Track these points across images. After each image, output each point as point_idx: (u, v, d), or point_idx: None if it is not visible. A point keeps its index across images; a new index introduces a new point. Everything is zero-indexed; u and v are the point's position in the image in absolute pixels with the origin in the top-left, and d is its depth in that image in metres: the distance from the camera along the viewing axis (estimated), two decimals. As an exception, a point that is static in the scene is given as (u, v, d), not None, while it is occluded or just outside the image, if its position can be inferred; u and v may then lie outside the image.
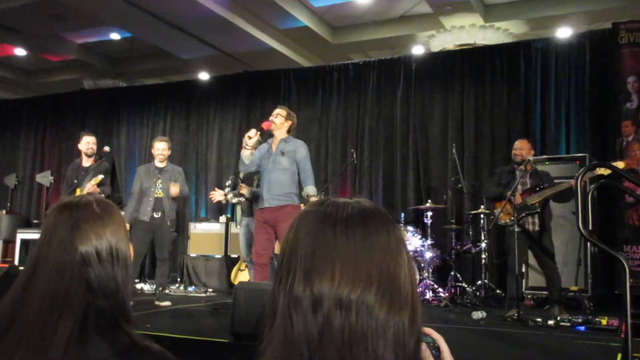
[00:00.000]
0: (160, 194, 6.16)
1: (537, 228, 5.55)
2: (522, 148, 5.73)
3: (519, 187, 5.58)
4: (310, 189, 5.12)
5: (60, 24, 10.26)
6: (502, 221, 5.64)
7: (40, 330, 1.11)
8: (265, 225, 5.06)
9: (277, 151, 5.16)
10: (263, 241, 5.06)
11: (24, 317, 1.12)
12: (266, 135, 5.47)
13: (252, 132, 5.05)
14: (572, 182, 5.18)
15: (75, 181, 6.34)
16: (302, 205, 5.16)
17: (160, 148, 6.27)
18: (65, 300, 1.13)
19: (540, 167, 6.05)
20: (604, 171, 4.85)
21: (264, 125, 5.15)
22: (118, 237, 1.24)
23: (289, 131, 5.25)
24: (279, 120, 5.18)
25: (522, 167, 5.60)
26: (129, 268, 1.26)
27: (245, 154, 5.13)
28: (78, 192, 6.01)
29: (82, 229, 1.19)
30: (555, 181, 5.68)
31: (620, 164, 5.04)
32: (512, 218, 5.39)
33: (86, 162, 6.52)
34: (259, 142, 5.44)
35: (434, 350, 0.97)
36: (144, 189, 6.15)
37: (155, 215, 6.08)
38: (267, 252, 5.06)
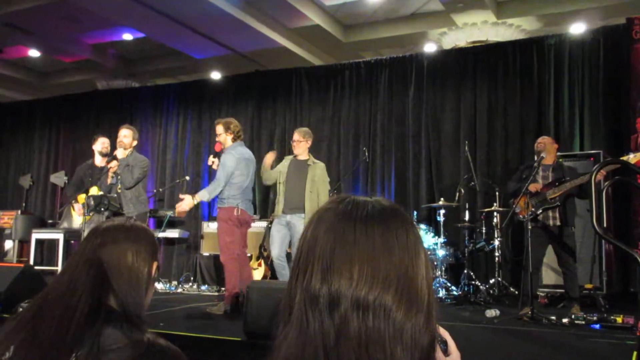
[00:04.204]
0: (118, 189, 5.81)
1: (557, 222, 5.42)
2: (543, 141, 5.65)
3: (540, 180, 5.51)
4: (198, 194, 5.29)
5: (73, 25, 10.33)
6: (521, 216, 5.52)
7: (59, 316, 1.27)
8: None
9: None
10: None
11: (49, 304, 1.31)
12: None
13: (209, 162, 5.61)
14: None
15: (90, 179, 6.38)
16: (232, 207, 5.26)
17: (121, 135, 6.00)
18: (84, 291, 1.32)
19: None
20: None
21: (215, 148, 5.57)
22: (139, 256, 1.44)
23: (234, 139, 5.46)
24: (221, 138, 5.48)
25: (540, 158, 5.46)
26: (142, 281, 1.43)
27: None
28: (95, 189, 6.02)
29: (107, 245, 1.41)
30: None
31: (635, 157, 4.95)
32: (530, 212, 5.33)
33: (101, 162, 6.58)
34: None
35: (442, 344, 0.99)
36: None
37: (120, 212, 5.72)
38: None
